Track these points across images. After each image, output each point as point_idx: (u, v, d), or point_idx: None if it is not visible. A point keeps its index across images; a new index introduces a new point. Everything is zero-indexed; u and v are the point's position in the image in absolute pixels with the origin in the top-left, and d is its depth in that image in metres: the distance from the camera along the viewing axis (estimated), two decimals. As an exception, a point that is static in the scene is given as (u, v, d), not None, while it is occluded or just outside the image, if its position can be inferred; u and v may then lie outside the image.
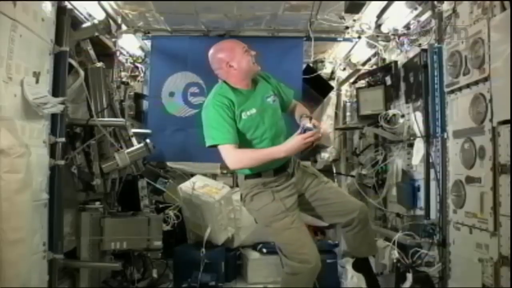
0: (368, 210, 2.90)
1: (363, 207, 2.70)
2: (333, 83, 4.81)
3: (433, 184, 2.80)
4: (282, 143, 2.49)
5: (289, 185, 2.60)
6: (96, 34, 3.18)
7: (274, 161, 2.51)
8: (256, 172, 2.58)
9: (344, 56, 4.58)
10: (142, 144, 3.17)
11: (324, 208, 2.70)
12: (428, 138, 2.84)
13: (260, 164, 2.47)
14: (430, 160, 2.82)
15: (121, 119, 3.40)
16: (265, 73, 2.74)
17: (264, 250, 4.07)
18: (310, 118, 2.49)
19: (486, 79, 2.24)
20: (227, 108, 2.48)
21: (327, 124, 3.99)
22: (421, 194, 3.01)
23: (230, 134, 2.45)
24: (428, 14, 2.92)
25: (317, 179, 2.72)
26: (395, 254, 2.90)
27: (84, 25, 3.07)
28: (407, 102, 3.33)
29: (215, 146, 2.47)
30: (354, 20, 3.60)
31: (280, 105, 2.70)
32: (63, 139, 2.67)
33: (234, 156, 2.45)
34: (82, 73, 2.98)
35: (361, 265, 2.87)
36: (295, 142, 2.38)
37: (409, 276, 2.79)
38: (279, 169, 2.59)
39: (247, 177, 2.62)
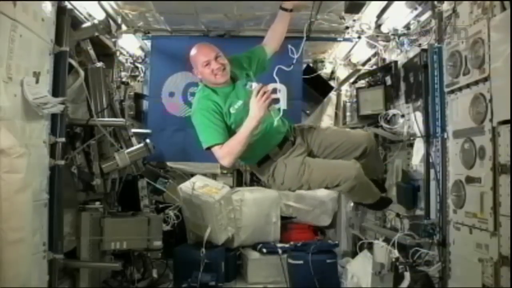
0: (370, 133, 3.23)
1: (368, 135, 3.01)
2: (333, 83, 4.82)
3: (433, 184, 2.80)
4: (274, 134, 2.74)
5: (296, 148, 2.83)
6: (96, 34, 3.18)
7: (274, 138, 2.77)
8: (264, 156, 2.81)
9: (344, 56, 4.59)
10: (142, 144, 3.18)
11: (336, 152, 2.90)
12: (428, 138, 2.84)
13: (245, 142, 2.58)
14: (430, 160, 2.81)
15: (121, 119, 3.40)
16: (234, 57, 2.87)
17: (264, 250, 4.07)
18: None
19: (486, 79, 2.23)
20: (212, 110, 2.62)
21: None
22: (421, 194, 3.00)
23: (218, 135, 2.59)
24: (428, 14, 2.91)
25: (316, 130, 2.96)
26: (395, 253, 2.90)
27: (84, 25, 3.07)
28: (407, 102, 3.32)
29: (209, 148, 2.63)
30: (354, 20, 3.60)
31: (261, 65, 2.95)
32: (63, 139, 2.67)
33: (222, 152, 2.60)
34: (82, 73, 2.98)
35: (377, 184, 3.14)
36: (254, 105, 2.51)
37: (407, 275, 2.79)
38: (281, 142, 2.80)
39: (259, 164, 2.85)
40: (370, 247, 3.58)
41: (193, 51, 2.76)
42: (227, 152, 2.59)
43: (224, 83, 2.72)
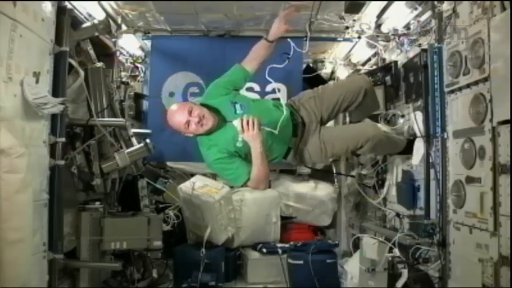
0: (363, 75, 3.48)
1: (362, 78, 3.25)
2: (333, 83, 4.82)
3: (433, 184, 2.80)
4: (284, 127, 2.82)
5: (309, 128, 3.00)
6: (96, 34, 3.18)
7: (286, 132, 2.87)
8: (286, 150, 2.98)
9: (344, 56, 4.58)
10: (142, 144, 3.17)
11: (342, 105, 3.10)
12: (428, 138, 2.84)
13: (263, 163, 2.73)
14: (430, 160, 2.81)
15: (121, 119, 3.40)
16: (217, 84, 2.98)
17: (264, 250, 4.07)
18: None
19: (486, 79, 2.23)
20: (223, 156, 2.78)
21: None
22: (421, 194, 3.01)
23: (241, 172, 2.78)
24: (428, 14, 2.91)
25: (317, 98, 3.10)
26: (396, 252, 2.90)
27: (84, 25, 3.07)
28: (407, 102, 3.33)
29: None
30: (354, 20, 3.59)
31: (242, 84, 3.06)
32: (63, 139, 2.67)
33: (252, 184, 2.83)
34: (82, 73, 2.98)
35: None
36: (246, 137, 2.65)
37: (405, 272, 2.80)
38: (294, 130, 2.95)
39: (285, 157, 3.02)
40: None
41: (170, 120, 2.87)
42: (256, 182, 2.79)
43: (211, 127, 2.77)
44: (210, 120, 2.75)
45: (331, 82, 3.25)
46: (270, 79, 2.99)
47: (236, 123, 2.63)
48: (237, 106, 2.83)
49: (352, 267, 3.74)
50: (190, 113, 2.72)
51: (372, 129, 2.96)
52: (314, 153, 2.99)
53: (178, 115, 2.79)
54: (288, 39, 3.09)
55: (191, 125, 2.73)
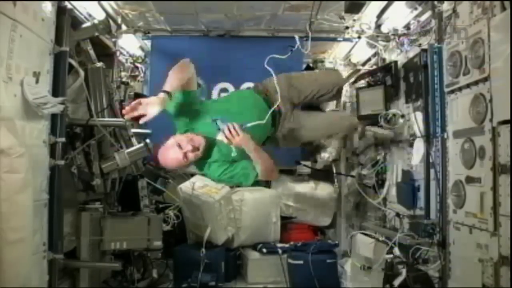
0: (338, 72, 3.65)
1: (338, 76, 3.41)
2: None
3: (433, 184, 2.80)
4: (262, 127, 2.82)
5: (286, 116, 3.06)
6: (96, 34, 3.18)
7: (260, 138, 2.91)
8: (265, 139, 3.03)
9: (344, 56, 4.58)
10: (142, 144, 3.17)
11: (315, 97, 3.23)
12: (428, 138, 2.84)
13: (263, 156, 2.77)
14: (430, 160, 2.81)
15: (121, 119, 3.40)
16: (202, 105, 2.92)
17: (264, 250, 4.07)
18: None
19: (486, 79, 2.23)
20: (225, 167, 2.78)
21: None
22: (421, 194, 3.00)
23: (248, 173, 2.78)
24: (428, 14, 2.91)
25: (291, 87, 3.14)
26: (396, 251, 2.90)
27: (84, 25, 3.07)
28: (407, 102, 3.32)
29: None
30: (354, 20, 3.60)
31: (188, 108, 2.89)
32: (63, 139, 2.67)
33: (263, 175, 2.81)
34: (82, 73, 2.98)
35: None
36: (235, 144, 2.65)
37: (403, 271, 2.81)
38: (272, 120, 2.95)
39: (263, 144, 3.03)
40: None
41: (166, 164, 2.80)
42: (265, 174, 2.82)
43: (205, 143, 2.71)
44: (199, 138, 2.67)
45: (305, 72, 3.23)
46: (269, 68, 2.95)
47: (220, 137, 2.60)
48: (218, 122, 2.73)
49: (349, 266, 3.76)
50: (180, 146, 2.62)
51: (348, 124, 3.27)
52: (291, 140, 3.12)
53: (171, 153, 2.67)
54: (295, 36, 3.09)
55: (188, 155, 2.63)
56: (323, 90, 3.21)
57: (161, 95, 2.53)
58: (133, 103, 2.49)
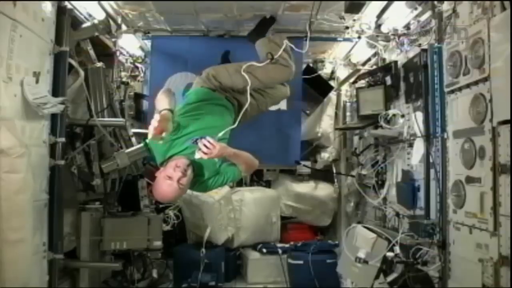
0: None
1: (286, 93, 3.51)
2: (333, 83, 4.82)
3: (433, 184, 2.80)
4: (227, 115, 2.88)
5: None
6: (96, 34, 3.18)
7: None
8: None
9: (344, 56, 4.58)
10: (142, 144, 3.17)
11: None
12: (428, 138, 2.84)
13: (242, 155, 2.70)
14: (430, 160, 2.81)
15: (121, 119, 3.40)
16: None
17: (264, 250, 4.08)
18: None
19: (486, 79, 2.23)
20: (214, 178, 2.70)
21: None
22: (421, 194, 3.00)
23: (231, 169, 2.70)
24: (428, 14, 2.91)
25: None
26: (397, 250, 2.90)
27: (84, 25, 3.07)
28: (407, 102, 3.32)
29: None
30: (354, 20, 3.59)
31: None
32: (63, 139, 2.67)
33: (246, 170, 2.78)
34: (82, 73, 2.98)
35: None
36: (216, 157, 2.55)
37: (399, 267, 2.80)
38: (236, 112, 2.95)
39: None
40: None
41: (162, 196, 2.60)
42: (247, 169, 2.79)
43: (191, 163, 2.61)
44: (182, 160, 2.53)
45: (256, 64, 3.12)
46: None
47: (199, 156, 2.53)
48: (198, 142, 2.66)
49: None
50: (170, 177, 2.48)
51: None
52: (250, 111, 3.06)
53: (166, 188, 2.52)
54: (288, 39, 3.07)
55: (182, 181, 2.49)
56: (272, 85, 3.30)
57: (164, 112, 2.44)
58: (154, 120, 2.38)
